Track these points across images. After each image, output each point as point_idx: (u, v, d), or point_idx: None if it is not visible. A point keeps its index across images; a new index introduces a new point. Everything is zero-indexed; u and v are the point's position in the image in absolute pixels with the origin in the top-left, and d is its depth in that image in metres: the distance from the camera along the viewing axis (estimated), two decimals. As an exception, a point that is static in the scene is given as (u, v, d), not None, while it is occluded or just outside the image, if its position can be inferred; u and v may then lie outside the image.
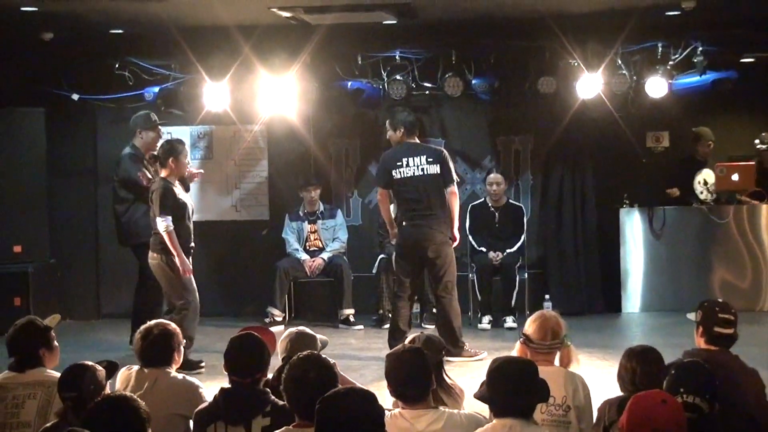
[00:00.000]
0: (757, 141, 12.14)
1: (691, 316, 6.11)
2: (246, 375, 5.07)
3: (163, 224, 8.84)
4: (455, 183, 9.49)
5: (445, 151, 9.63)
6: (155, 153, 9.39)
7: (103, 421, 3.97)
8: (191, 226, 9.22)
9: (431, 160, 9.37)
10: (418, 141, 9.65)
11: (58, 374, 5.30)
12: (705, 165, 12.13)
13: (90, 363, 5.17)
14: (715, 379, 4.60)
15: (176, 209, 8.97)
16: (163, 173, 9.06)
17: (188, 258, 9.08)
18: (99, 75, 11.62)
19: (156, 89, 11.39)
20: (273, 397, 5.02)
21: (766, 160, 12.03)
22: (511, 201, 11.81)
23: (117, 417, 4.09)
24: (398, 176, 9.40)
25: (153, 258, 9.06)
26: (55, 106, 11.80)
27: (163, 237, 8.86)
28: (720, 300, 6.18)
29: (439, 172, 9.35)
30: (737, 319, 5.90)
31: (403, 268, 9.54)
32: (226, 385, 5.14)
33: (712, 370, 4.77)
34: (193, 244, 9.24)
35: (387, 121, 9.77)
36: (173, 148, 9.12)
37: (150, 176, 9.69)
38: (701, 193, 11.98)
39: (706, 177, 11.98)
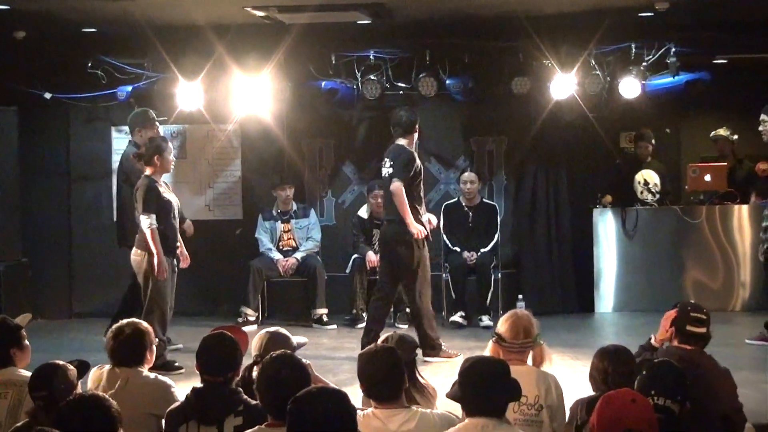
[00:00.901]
0: (712, 134, 12.24)
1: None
2: (218, 374, 5.05)
3: (147, 222, 8.78)
4: (398, 179, 9.15)
5: (399, 147, 9.40)
6: (139, 152, 9.34)
7: (74, 421, 3.95)
8: (177, 224, 9.18)
9: (387, 160, 9.36)
10: (401, 142, 9.52)
11: (29, 374, 5.27)
12: (644, 166, 12.19)
13: (61, 362, 5.15)
14: (686, 378, 4.62)
15: (161, 207, 8.92)
16: (148, 171, 9.00)
17: (173, 257, 9.06)
18: (72, 74, 11.57)
19: (129, 88, 11.34)
20: (245, 397, 5.00)
21: (727, 151, 12.11)
22: (485, 200, 11.81)
23: (88, 416, 4.07)
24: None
25: (136, 254, 8.98)
26: (28, 105, 11.74)
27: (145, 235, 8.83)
28: (692, 300, 6.21)
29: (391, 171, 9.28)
30: (710, 318, 5.92)
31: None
32: (199, 384, 5.12)
33: (686, 369, 4.79)
34: (179, 244, 9.20)
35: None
36: (158, 145, 9.07)
37: None
38: (641, 192, 12.03)
39: (646, 177, 12.03)
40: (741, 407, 5.84)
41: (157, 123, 10.14)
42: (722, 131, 12.21)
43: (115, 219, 10.65)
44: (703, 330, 5.87)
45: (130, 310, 8.98)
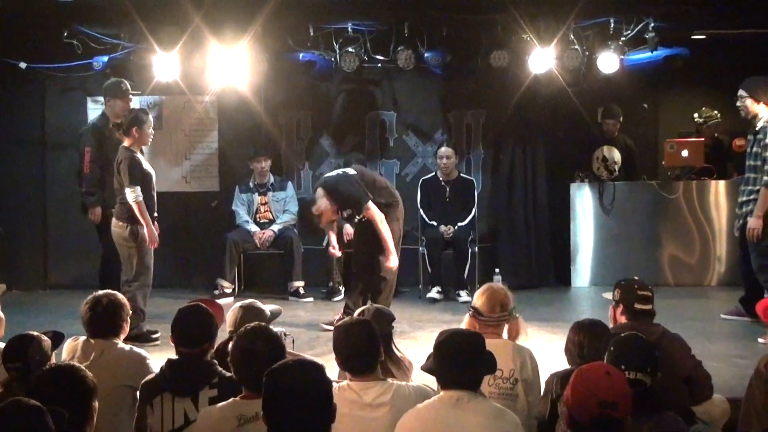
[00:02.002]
0: (696, 115, 12.24)
1: (608, 295, 6.19)
2: (193, 346, 5.05)
3: (133, 195, 8.76)
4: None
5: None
6: (119, 121, 9.31)
7: (48, 391, 3.94)
8: (155, 195, 9.15)
9: None
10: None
11: (2, 345, 5.26)
12: (608, 142, 12.24)
13: (36, 333, 5.14)
14: (654, 349, 4.65)
15: (143, 179, 8.90)
16: (126, 142, 8.96)
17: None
18: (47, 43, 11.45)
19: (105, 59, 11.23)
20: (220, 369, 5.00)
21: (706, 135, 12.13)
22: (462, 174, 11.79)
23: (63, 387, 4.06)
24: None
25: (118, 226, 8.95)
26: (3, 75, 11.67)
27: (131, 207, 8.78)
28: (636, 278, 6.24)
29: None
30: (654, 295, 5.98)
31: None
32: (174, 356, 5.11)
33: None
34: (156, 214, 9.17)
35: None
36: (138, 117, 9.03)
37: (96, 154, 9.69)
38: (597, 169, 12.06)
39: (606, 153, 12.07)
40: (700, 363, 5.91)
41: (131, 95, 10.08)
42: (712, 113, 12.20)
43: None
44: (649, 307, 5.97)
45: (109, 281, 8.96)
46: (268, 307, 5.92)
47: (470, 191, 11.64)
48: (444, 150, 11.56)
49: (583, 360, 5.18)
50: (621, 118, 12.28)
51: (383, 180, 9.82)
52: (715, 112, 12.14)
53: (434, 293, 11.20)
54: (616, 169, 12.04)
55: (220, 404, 4.59)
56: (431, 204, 11.55)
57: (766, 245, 9.07)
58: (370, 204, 9.02)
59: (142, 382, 5.13)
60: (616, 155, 12.05)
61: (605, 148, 12.10)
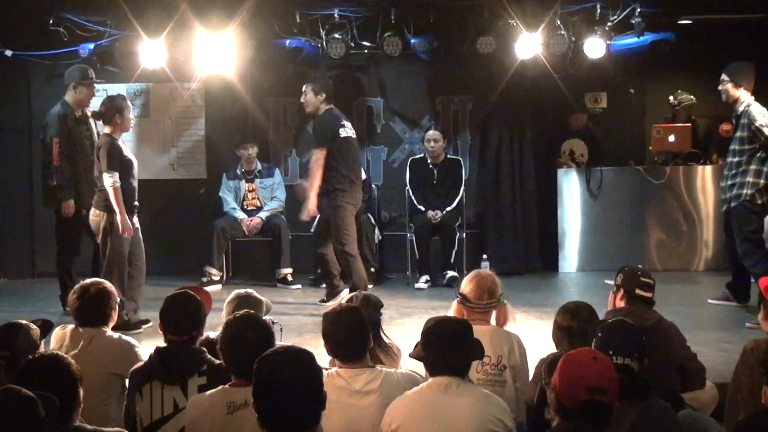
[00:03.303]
0: (671, 97, 12.27)
1: (609, 281, 6.19)
2: (182, 333, 5.05)
3: (110, 180, 8.68)
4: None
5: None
6: (98, 110, 9.25)
7: (32, 380, 3.94)
8: (136, 184, 9.09)
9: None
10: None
11: (-10, 334, 5.25)
12: (574, 135, 12.34)
13: (24, 322, 5.14)
14: (642, 335, 4.65)
15: (123, 166, 8.85)
16: (107, 129, 8.93)
17: (133, 217, 8.98)
18: (33, 31, 11.39)
19: (91, 46, 11.19)
20: (209, 356, 5.00)
21: (681, 118, 12.16)
22: (449, 156, 11.79)
23: (47, 375, 4.07)
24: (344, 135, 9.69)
25: (95, 215, 8.90)
26: (-12, 63, 11.64)
27: (108, 194, 8.75)
28: (639, 265, 6.26)
29: None
30: (655, 284, 5.98)
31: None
32: (162, 344, 5.11)
33: (638, 326, 4.83)
34: (137, 203, 9.13)
35: (309, 86, 9.94)
36: (118, 104, 8.97)
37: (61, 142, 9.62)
38: (565, 161, 12.20)
39: (573, 146, 12.25)
40: (695, 355, 5.93)
41: (95, 85, 10.00)
42: (686, 95, 12.25)
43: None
44: (650, 295, 5.94)
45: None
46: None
47: (458, 171, 11.64)
48: (432, 133, 11.58)
49: (571, 344, 5.20)
50: (587, 113, 12.53)
51: (357, 162, 10.08)
52: (689, 96, 12.17)
53: (422, 283, 11.19)
54: (583, 162, 12.15)
55: (209, 392, 4.59)
56: (420, 185, 11.55)
57: (751, 231, 9.09)
58: (319, 151, 9.60)
59: (131, 369, 5.13)
60: (582, 148, 12.25)
61: (572, 141, 12.26)
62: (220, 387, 4.57)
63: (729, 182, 9.29)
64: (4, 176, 12.25)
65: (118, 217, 8.72)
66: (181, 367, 4.94)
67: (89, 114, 9.83)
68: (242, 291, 5.88)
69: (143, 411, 4.91)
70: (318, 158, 9.62)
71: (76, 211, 9.58)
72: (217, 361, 4.92)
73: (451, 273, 11.10)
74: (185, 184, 12.41)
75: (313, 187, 9.63)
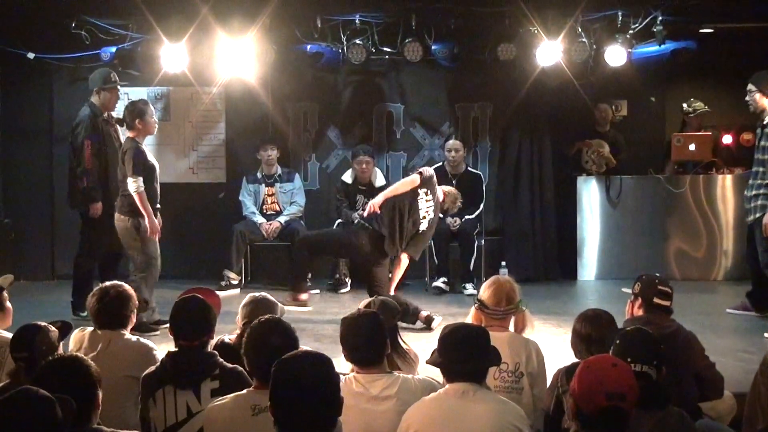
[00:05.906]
0: (684, 105, 12.24)
1: (627, 289, 6.17)
2: (193, 338, 5.02)
3: (134, 185, 8.73)
4: None
5: None
6: (121, 117, 9.30)
7: (52, 381, 3.94)
8: (158, 188, 9.13)
9: None
10: None
11: (10, 335, 5.27)
12: (599, 136, 12.30)
13: (43, 324, 5.15)
14: (660, 343, 4.63)
15: (146, 171, 8.89)
16: (131, 134, 8.96)
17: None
18: (55, 34, 11.44)
19: (113, 49, 11.25)
20: (221, 360, 4.99)
21: (693, 126, 12.13)
22: (469, 169, 11.78)
23: (67, 377, 4.07)
24: None
25: (120, 220, 8.94)
26: (10, 65, 11.69)
27: (133, 198, 8.77)
28: (657, 274, 6.24)
29: None
30: (673, 293, 5.96)
31: None
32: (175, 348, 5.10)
33: (656, 334, 4.81)
34: (159, 206, 9.15)
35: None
36: (139, 109, 8.98)
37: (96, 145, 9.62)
38: (586, 162, 12.14)
39: (599, 147, 12.14)
40: (713, 365, 5.90)
41: (119, 86, 10.00)
42: (700, 104, 12.23)
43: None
44: (668, 303, 5.92)
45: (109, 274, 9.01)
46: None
47: (478, 186, 11.64)
48: (452, 143, 11.57)
49: (589, 351, 5.18)
50: (614, 108, 12.36)
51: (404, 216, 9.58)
52: (703, 104, 12.16)
53: (440, 283, 11.22)
54: (604, 165, 12.06)
55: (233, 395, 4.57)
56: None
57: (775, 241, 9.05)
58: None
59: (143, 375, 5.11)
60: (606, 149, 12.10)
61: (595, 142, 12.12)
62: (244, 390, 4.56)
63: (753, 192, 9.21)
64: (26, 178, 12.30)
65: (146, 220, 8.78)
66: (194, 372, 4.92)
67: (114, 118, 9.86)
68: (257, 294, 5.88)
69: (157, 417, 4.89)
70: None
71: (103, 213, 9.58)
72: (230, 365, 4.92)
73: (470, 288, 11.06)
74: (205, 187, 12.44)
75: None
